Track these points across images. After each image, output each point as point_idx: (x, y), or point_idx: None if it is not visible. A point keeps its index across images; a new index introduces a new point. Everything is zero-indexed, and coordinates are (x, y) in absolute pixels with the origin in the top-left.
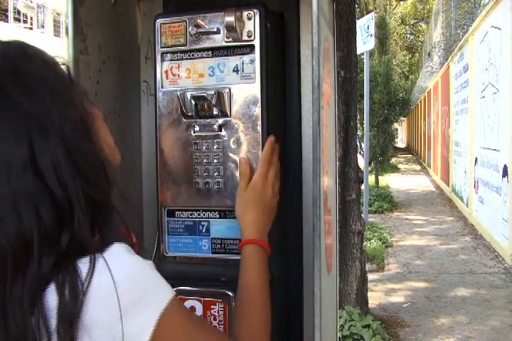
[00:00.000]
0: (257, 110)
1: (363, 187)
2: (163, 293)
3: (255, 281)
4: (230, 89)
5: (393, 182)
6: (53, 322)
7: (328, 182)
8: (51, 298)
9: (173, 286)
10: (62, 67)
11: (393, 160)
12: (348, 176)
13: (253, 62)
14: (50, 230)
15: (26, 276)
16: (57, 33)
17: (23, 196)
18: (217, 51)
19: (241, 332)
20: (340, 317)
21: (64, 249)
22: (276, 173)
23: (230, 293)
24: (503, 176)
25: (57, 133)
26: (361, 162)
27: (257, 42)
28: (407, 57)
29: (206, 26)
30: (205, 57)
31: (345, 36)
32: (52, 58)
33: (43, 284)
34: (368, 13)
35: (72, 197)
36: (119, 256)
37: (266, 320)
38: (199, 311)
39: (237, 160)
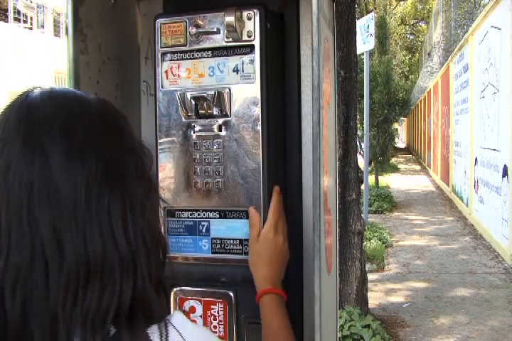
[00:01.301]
0: (257, 110)
1: (362, 187)
2: None
3: (278, 326)
4: (230, 89)
5: (393, 182)
6: None
7: (328, 182)
8: None
9: (173, 286)
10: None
11: (393, 160)
12: (348, 176)
13: (253, 62)
14: (125, 303)
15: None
16: (57, 33)
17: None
18: (217, 51)
19: None
20: (340, 317)
21: (136, 319)
22: (284, 221)
23: (230, 293)
24: (503, 176)
25: (141, 208)
26: (361, 162)
27: (257, 42)
28: (407, 57)
29: (206, 26)
30: (205, 57)
31: (345, 36)
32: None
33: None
34: (368, 13)
35: (141, 268)
36: (186, 326)
37: None
38: (199, 311)
39: (237, 160)
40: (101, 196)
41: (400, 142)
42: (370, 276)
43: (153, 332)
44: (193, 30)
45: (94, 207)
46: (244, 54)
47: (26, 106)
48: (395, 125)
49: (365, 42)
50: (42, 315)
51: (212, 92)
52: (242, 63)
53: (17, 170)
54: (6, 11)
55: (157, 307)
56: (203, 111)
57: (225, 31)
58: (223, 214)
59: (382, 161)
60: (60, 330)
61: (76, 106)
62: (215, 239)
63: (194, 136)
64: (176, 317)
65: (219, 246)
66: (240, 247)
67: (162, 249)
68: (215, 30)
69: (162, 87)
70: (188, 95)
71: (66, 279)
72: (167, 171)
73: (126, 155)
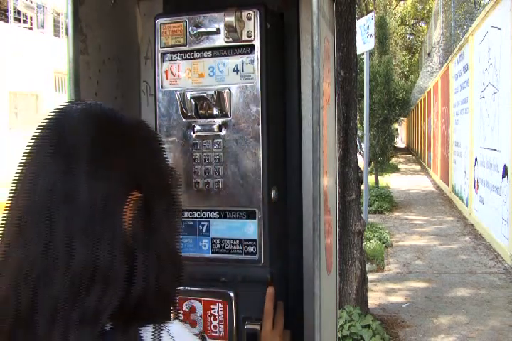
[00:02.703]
0: (257, 110)
1: (362, 187)
2: None
3: None
4: (229, 89)
5: (393, 182)
6: None
7: (328, 182)
8: None
9: None
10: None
11: (393, 160)
12: (348, 176)
13: (253, 62)
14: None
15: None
16: (57, 33)
17: (105, 268)
18: (217, 51)
19: None
20: (340, 317)
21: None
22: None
23: (230, 293)
24: (503, 176)
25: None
26: (361, 162)
27: (257, 43)
28: (407, 57)
29: (206, 26)
30: (205, 57)
31: (345, 36)
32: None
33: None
34: (368, 13)
35: (149, 270)
36: (182, 334)
37: None
38: (199, 311)
39: (237, 160)
40: (117, 209)
41: (400, 142)
42: (370, 276)
43: (147, 333)
44: (193, 30)
45: (110, 219)
46: (244, 54)
47: (62, 116)
48: (395, 125)
49: (365, 42)
50: (46, 307)
51: (212, 92)
52: (242, 63)
53: (46, 176)
54: (6, 11)
55: (158, 314)
56: (202, 111)
57: (225, 31)
58: (223, 214)
59: (382, 161)
60: (58, 323)
61: (109, 120)
62: (215, 239)
63: (194, 136)
64: (174, 325)
65: (219, 246)
66: (240, 247)
67: (177, 268)
68: (215, 30)
69: (162, 87)
70: (188, 95)
71: (71, 279)
72: None
73: (151, 172)
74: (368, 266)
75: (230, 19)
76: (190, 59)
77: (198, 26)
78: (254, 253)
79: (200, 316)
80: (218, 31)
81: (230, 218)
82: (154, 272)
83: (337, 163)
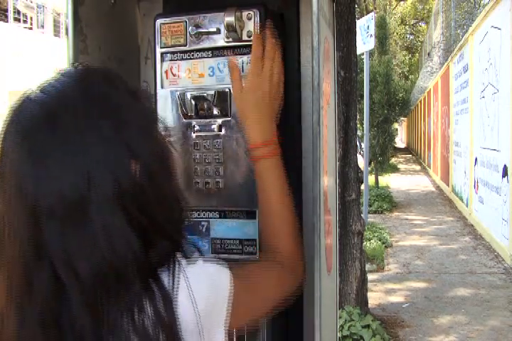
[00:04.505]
0: None
1: (362, 187)
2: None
3: (272, 193)
4: (229, 89)
5: (393, 182)
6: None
7: (328, 182)
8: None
9: None
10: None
11: (393, 160)
12: (348, 176)
13: None
14: (140, 257)
15: (120, 300)
16: (57, 33)
17: (113, 227)
18: (217, 51)
19: (277, 249)
20: (340, 318)
21: (150, 269)
22: (272, 67)
23: None
24: (503, 176)
25: (143, 166)
26: (361, 162)
27: None
28: (407, 57)
29: (206, 26)
30: (205, 57)
31: (345, 36)
32: (139, 91)
33: (136, 304)
34: (367, 13)
35: (153, 225)
36: (195, 266)
37: (295, 233)
38: None
39: (237, 160)
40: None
41: (400, 142)
42: (370, 276)
43: (166, 275)
44: (193, 30)
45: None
46: (244, 54)
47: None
48: (395, 125)
49: (365, 42)
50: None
51: (212, 92)
52: (242, 63)
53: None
54: (6, 11)
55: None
56: (203, 111)
57: (225, 31)
58: (223, 214)
59: (382, 161)
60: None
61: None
62: (215, 239)
63: (194, 136)
64: (191, 267)
65: (219, 246)
66: (240, 247)
67: (179, 209)
68: (215, 30)
69: (162, 87)
70: (188, 95)
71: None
72: None
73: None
74: (367, 266)
75: (230, 19)
76: (190, 59)
77: (198, 26)
78: (254, 253)
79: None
80: (218, 31)
81: (230, 218)
82: (163, 223)
83: (337, 163)
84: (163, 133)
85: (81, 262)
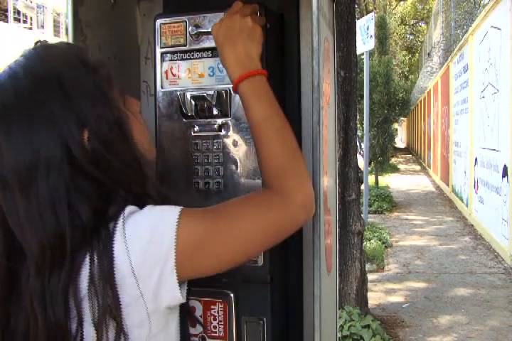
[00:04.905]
0: None
1: (362, 187)
2: (169, 217)
3: (263, 115)
4: (229, 89)
5: (393, 182)
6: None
7: (328, 182)
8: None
9: None
10: (103, 67)
11: (393, 160)
12: (348, 176)
13: None
14: (86, 223)
15: (62, 268)
16: (57, 33)
17: (60, 192)
18: (217, 51)
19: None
20: (340, 318)
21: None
22: (252, 15)
23: (230, 293)
24: (503, 176)
25: (93, 133)
26: (361, 162)
27: None
28: (407, 57)
29: (206, 26)
30: (205, 57)
31: (345, 36)
32: (92, 60)
33: (78, 271)
34: (367, 13)
35: (108, 186)
36: (138, 214)
37: (289, 149)
38: (199, 311)
39: (237, 160)
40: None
41: (400, 142)
42: (370, 276)
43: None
44: (193, 30)
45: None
46: None
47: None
48: (395, 125)
49: (365, 42)
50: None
51: (212, 92)
52: None
53: None
54: (6, 11)
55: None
56: (202, 111)
57: None
58: None
59: (382, 161)
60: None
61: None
62: None
63: (194, 136)
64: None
65: None
66: None
67: (137, 168)
68: None
69: (162, 87)
70: (188, 95)
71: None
72: (167, 171)
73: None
74: (367, 266)
75: None
76: (190, 59)
77: (198, 26)
78: None
79: (200, 316)
80: None
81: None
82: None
83: (337, 163)
84: (118, 96)
85: (30, 230)
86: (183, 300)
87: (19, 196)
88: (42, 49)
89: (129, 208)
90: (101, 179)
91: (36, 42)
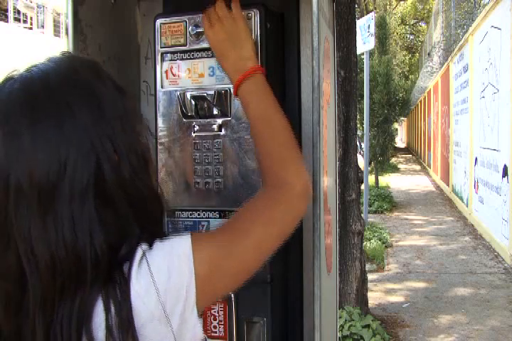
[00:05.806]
0: None
1: (362, 187)
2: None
3: (262, 114)
4: (229, 89)
5: (393, 182)
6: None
7: (328, 182)
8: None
9: None
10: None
11: (393, 160)
12: (348, 176)
13: None
14: (100, 258)
15: (76, 298)
16: (57, 33)
17: (84, 219)
18: None
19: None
20: (340, 317)
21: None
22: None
23: (230, 293)
24: (503, 176)
25: (124, 160)
26: (361, 162)
27: (257, 42)
28: (407, 57)
29: None
30: (205, 57)
31: (345, 36)
32: (125, 88)
33: (89, 318)
34: (368, 13)
35: (126, 220)
36: (160, 266)
37: (287, 145)
38: None
39: (237, 160)
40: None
41: (400, 142)
42: (370, 276)
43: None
44: (193, 30)
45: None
46: None
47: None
48: (395, 125)
49: (365, 42)
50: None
51: (212, 92)
52: None
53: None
54: (6, 11)
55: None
56: (202, 111)
57: None
58: (223, 214)
59: (382, 161)
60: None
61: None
62: None
63: (194, 136)
64: (155, 255)
65: None
66: None
67: (155, 202)
68: None
69: (162, 87)
70: (188, 95)
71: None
72: (167, 171)
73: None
74: (367, 266)
75: None
76: (190, 59)
77: (198, 26)
78: None
79: (200, 316)
80: None
81: (230, 218)
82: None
83: (337, 163)
84: (144, 132)
85: (42, 249)
86: (203, 336)
87: (36, 215)
88: (75, 59)
89: (142, 247)
90: (123, 210)
91: (63, 52)
